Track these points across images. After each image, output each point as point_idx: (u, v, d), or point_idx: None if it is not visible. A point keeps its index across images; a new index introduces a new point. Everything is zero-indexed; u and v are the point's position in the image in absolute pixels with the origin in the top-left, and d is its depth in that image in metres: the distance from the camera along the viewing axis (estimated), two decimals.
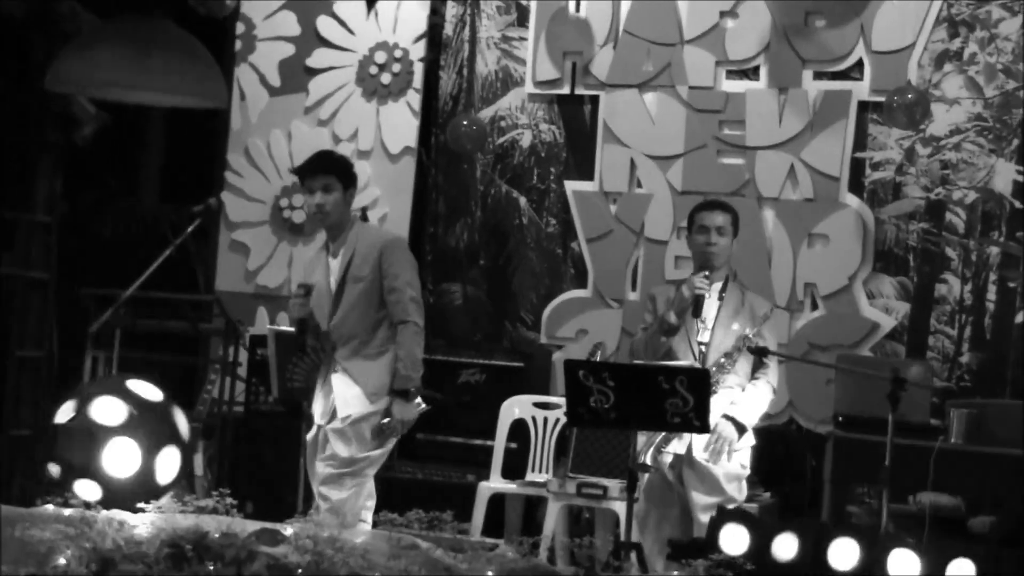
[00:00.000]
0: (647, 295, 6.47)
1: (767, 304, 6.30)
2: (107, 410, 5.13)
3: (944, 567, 4.46)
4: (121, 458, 5.09)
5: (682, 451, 5.92)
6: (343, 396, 5.95)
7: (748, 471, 6.09)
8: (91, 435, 5.09)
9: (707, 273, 6.07)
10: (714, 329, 6.07)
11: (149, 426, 5.18)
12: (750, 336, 5.98)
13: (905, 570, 4.49)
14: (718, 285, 6.16)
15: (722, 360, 6.00)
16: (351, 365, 5.97)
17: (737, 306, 6.13)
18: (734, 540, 4.71)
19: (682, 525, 5.97)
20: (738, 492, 5.98)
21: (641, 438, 5.81)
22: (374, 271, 6.00)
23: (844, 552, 4.60)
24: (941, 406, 6.70)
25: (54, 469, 5.10)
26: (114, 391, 5.21)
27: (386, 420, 5.93)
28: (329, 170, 6.08)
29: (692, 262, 6.30)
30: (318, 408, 6.05)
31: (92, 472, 5.07)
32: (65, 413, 5.16)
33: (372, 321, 6.00)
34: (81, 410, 5.13)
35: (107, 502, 4.91)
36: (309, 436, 6.13)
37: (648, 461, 5.85)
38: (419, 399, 6.01)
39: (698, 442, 5.89)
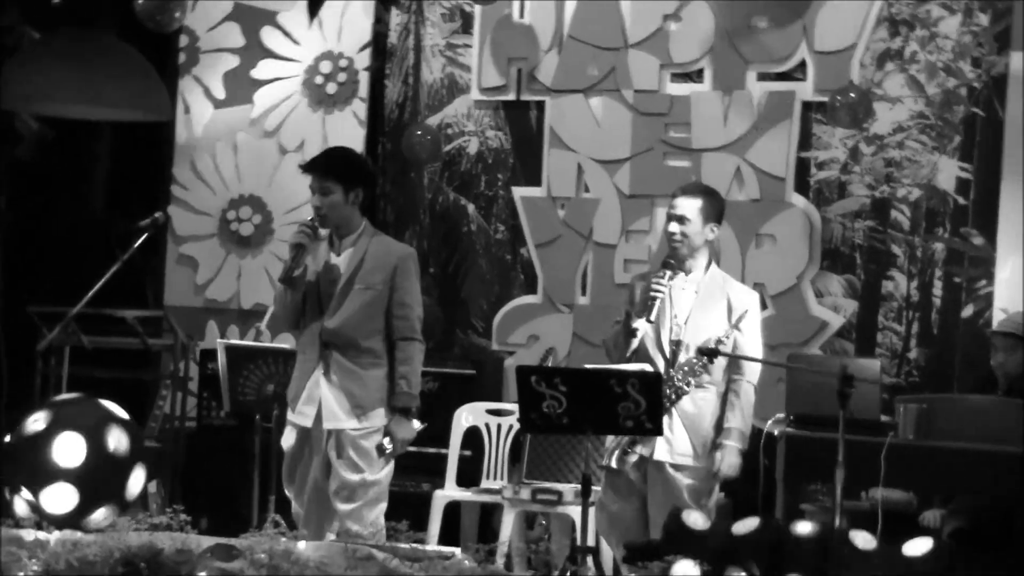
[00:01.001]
0: (630, 283, 6.16)
1: (748, 299, 6.00)
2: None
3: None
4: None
5: (647, 453, 5.81)
6: (330, 406, 5.80)
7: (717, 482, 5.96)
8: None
9: (669, 273, 5.85)
10: (686, 326, 5.86)
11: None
12: (723, 340, 5.79)
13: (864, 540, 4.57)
14: (696, 276, 5.93)
15: (693, 361, 5.82)
16: (342, 372, 5.81)
17: (715, 301, 5.90)
18: (695, 522, 4.74)
19: (641, 524, 5.87)
20: (697, 505, 5.76)
21: (609, 441, 5.78)
22: (386, 282, 5.85)
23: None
24: (890, 402, 6.75)
25: None
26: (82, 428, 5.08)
27: (386, 439, 5.79)
28: (326, 173, 5.88)
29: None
30: (305, 409, 5.84)
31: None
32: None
33: (370, 331, 5.84)
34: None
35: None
36: (289, 442, 5.91)
37: (614, 463, 5.81)
38: (415, 419, 5.90)
39: (661, 446, 5.79)
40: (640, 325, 5.82)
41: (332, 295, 5.85)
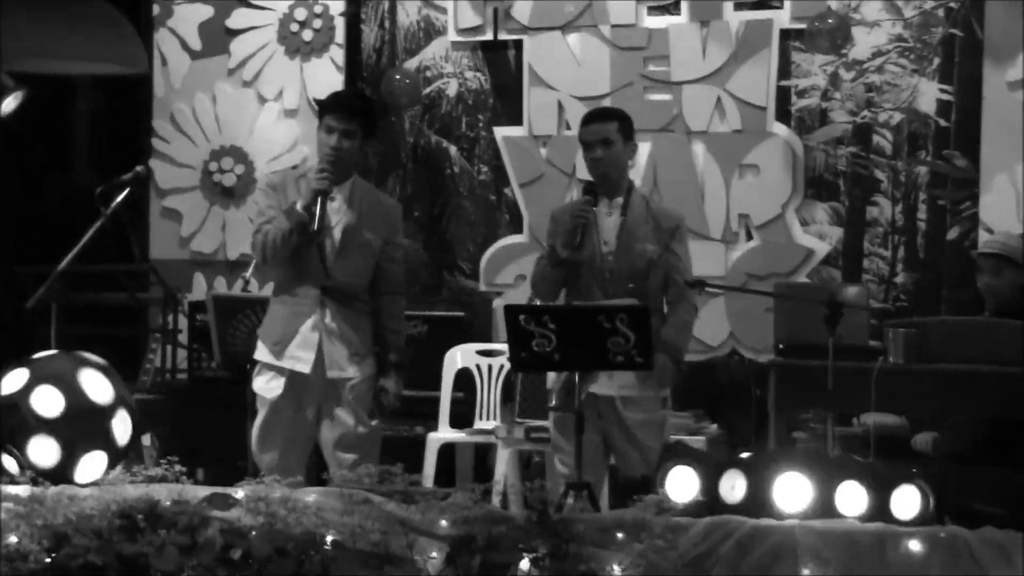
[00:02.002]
0: (550, 217, 6.06)
1: (675, 216, 5.92)
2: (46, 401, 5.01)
3: (889, 495, 4.51)
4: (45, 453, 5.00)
5: (594, 390, 5.71)
6: (332, 355, 5.73)
7: (667, 411, 5.90)
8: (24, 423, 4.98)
9: (590, 198, 5.75)
10: (617, 252, 5.78)
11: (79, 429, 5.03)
12: (653, 259, 5.72)
13: (853, 504, 4.54)
14: (619, 200, 5.83)
15: (631, 287, 5.71)
16: (341, 320, 5.73)
17: (640, 223, 5.81)
18: (681, 483, 4.72)
19: (600, 457, 5.81)
20: (656, 439, 5.75)
21: (550, 382, 5.75)
22: (381, 233, 5.80)
23: (792, 488, 4.62)
24: (879, 327, 6.78)
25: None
26: (58, 382, 5.06)
27: (383, 395, 5.77)
28: (356, 115, 5.74)
29: None
30: (300, 354, 5.72)
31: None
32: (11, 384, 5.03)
33: (366, 280, 5.80)
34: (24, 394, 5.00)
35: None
36: (275, 391, 5.76)
37: (557, 402, 5.76)
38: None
39: (603, 381, 5.68)
40: (567, 255, 5.73)
41: (333, 243, 5.74)
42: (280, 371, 5.78)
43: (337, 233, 5.76)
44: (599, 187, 5.86)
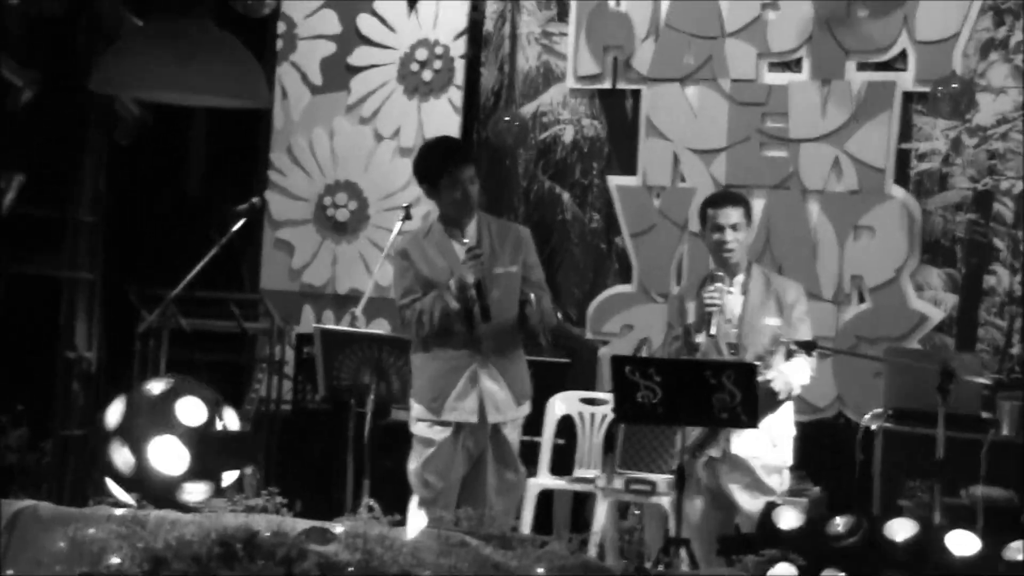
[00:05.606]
0: (673, 297, 6.20)
1: (795, 287, 6.02)
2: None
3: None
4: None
5: (717, 455, 5.78)
6: (493, 399, 5.79)
7: (791, 462, 5.94)
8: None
9: (719, 284, 5.80)
10: (741, 328, 5.85)
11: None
12: (779, 334, 5.78)
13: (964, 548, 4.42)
14: (740, 278, 5.93)
15: (757, 364, 5.72)
16: (499, 363, 5.79)
17: (763, 297, 5.90)
18: (789, 520, 4.65)
19: (713, 520, 5.85)
20: (779, 484, 5.84)
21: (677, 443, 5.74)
22: (517, 262, 5.85)
23: (901, 528, 4.51)
24: (992, 398, 6.65)
25: None
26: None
27: (528, 307, 5.81)
28: (475, 160, 6.02)
29: (710, 258, 6.02)
30: (464, 405, 5.77)
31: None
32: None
33: (514, 311, 5.81)
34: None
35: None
36: (443, 435, 5.81)
37: (680, 464, 5.75)
38: None
39: (736, 442, 5.74)
40: (701, 339, 5.79)
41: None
42: (441, 424, 5.82)
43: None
44: (723, 268, 5.89)
